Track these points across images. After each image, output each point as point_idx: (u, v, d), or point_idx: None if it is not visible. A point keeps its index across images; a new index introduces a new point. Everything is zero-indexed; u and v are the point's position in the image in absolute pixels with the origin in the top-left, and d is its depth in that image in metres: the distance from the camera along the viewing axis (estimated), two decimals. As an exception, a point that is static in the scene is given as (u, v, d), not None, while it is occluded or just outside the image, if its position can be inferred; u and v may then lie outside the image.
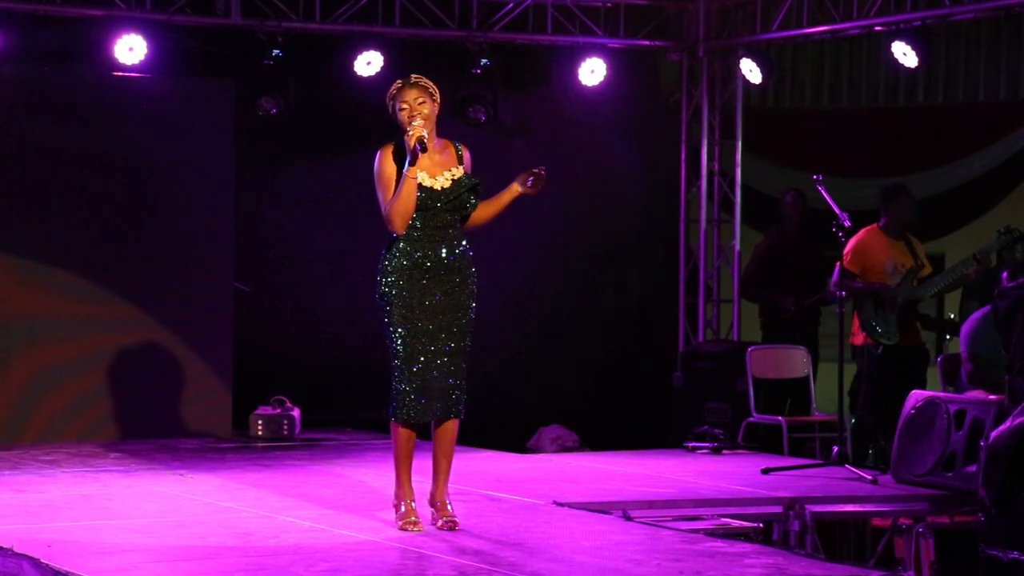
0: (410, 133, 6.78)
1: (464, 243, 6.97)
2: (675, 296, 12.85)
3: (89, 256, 10.88)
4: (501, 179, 7.09)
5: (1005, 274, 9.81)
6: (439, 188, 6.87)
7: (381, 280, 6.90)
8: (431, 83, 6.93)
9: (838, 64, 13.55)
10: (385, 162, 6.88)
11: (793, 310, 11.31)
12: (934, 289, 10.24)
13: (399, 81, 6.93)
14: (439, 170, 6.89)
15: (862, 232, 10.02)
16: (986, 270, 10.18)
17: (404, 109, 6.85)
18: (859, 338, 10.18)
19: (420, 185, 6.82)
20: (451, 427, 6.98)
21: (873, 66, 13.08)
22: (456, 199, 6.89)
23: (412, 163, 6.77)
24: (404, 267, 6.86)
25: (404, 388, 6.83)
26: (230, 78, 11.46)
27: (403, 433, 6.90)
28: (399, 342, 6.84)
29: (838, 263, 10.12)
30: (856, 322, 10.18)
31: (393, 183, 6.83)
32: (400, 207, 6.80)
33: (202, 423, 11.08)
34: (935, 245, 11.76)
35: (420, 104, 6.84)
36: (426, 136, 6.78)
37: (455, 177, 6.90)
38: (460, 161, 6.96)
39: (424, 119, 6.82)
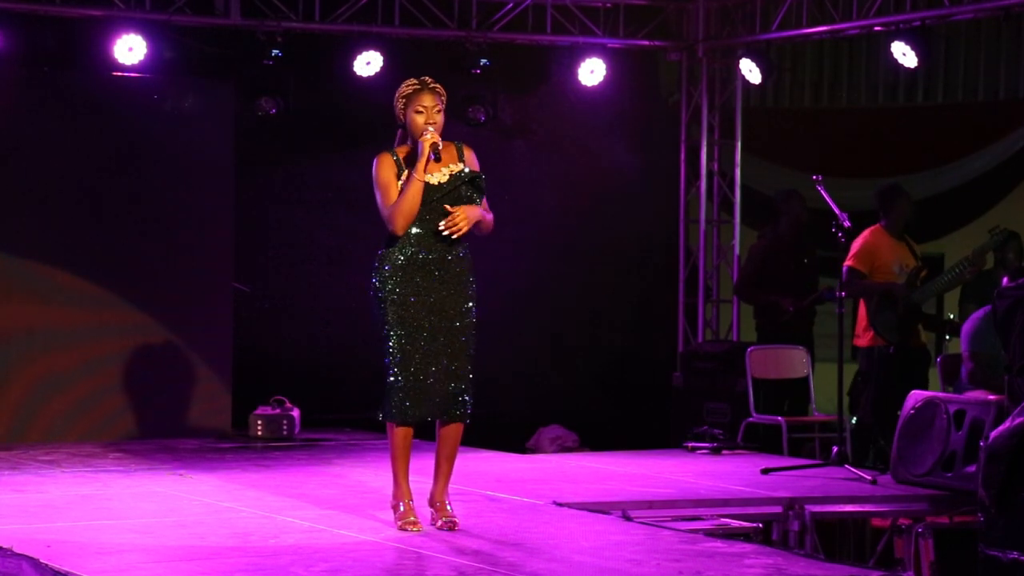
0: (425, 137, 6.79)
1: (464, 243, 6.97)
2: (675, 296, 12.85)
3: (89, 256, 10.88)
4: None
5: (1005, 279, 9.82)
6: (436, 183, 6.87)
7: (377, 277, 6.89)
8: (441, 87, 6.95)
9: (838, 64, 13.55)
10: (384, 168, 6.85)
11: (792, 311, 11.30)
12: (936, 290, 10.27)
13: (415, 82, 6.91)
14: (437, 167, 6.90)
15: (867, 233, 10.02)
16: (981, 270, 10.25)
17: (421, 112, 6.84)
18: (865, 339, 10.19)
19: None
20: (455, 430, 6.97)
21: (873, 66, 13.08)
22: (453, 192, 6.88)
23: (419, 168, 6.77)
24: (400, 264, 6.85)
25: (397, 387, 6.81)
26: (230, 78, 11.47)
27: (399, 432, 6.89)
28: (394, 341, 6.83)
29: (845, 265, 10.13)
30: (861, 323, 10.20)
31: (393, 187, 6.82)
32: (405, 207, 6.80)
33: (202, 423, 11.09)
34: (935, 245, 11.78)
35: (437, 112, 6.86)
36: (440, 145, 6.80)
37: (452, 172, 6.90)
38: (461, 158, 6.96)
39: (436, 127, 6.84)
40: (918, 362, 10.41)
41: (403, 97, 6.89)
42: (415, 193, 6.80)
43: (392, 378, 6.83)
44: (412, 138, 6.90)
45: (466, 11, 11.86)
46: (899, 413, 9.11)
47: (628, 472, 9.19)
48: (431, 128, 6.82)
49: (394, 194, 6.82)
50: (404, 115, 6.89)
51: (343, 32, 11.55)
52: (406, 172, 6.84)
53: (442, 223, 6.83)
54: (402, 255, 6.86)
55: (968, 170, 12.98)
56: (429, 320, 6.85)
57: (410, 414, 6.83)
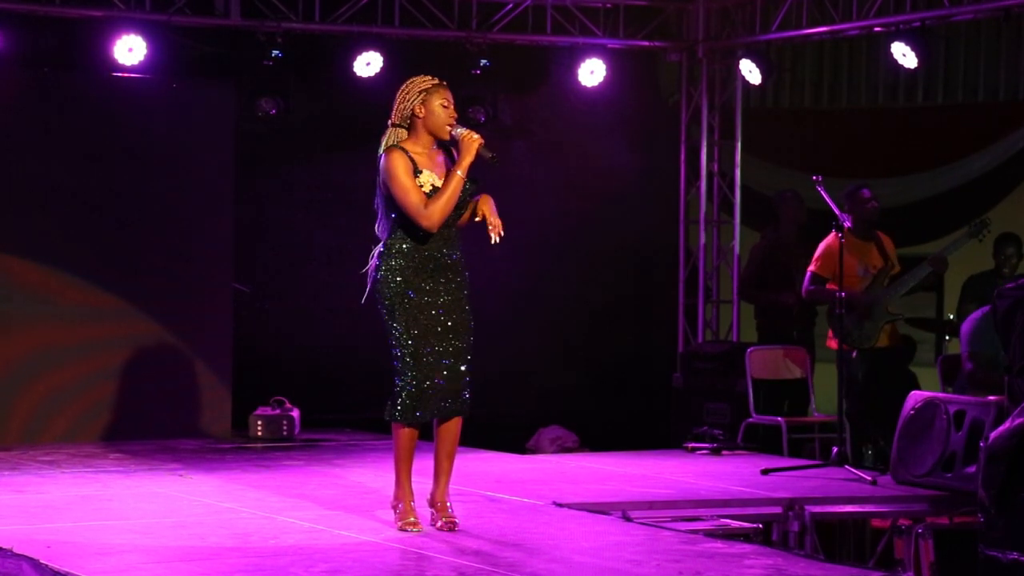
0: (474, 137, 6.82)
1: (459, 243, 6.98)
2: (675, 297, 12.84)
3: (88, 256, 10.88)
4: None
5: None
6: (441, 184, 6.89)
7: (383, 282, 6.87)
8: None
9: (838, 64, 13.54)
10: (402, 166, 6.80)
11: (794, 303, 11.29)
12: (901, 291, 10.26)
13: (432, 78, 6.93)
14: (441, 171, 6.91)
15: (830, 236, 9.98)
16: (943, 270, 10.27)
17: (447, 107, 6.88)
18: (832, 341, 10.19)
19: (431, 185, 6.85)
20: (455, 425, 6.97)
21: (873, 66, 13.07)
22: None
23: (464, 166, 6.80)
24: (408, 267, 6.85)
25: (411, 389, 6.80)
26: (230, 78, 11.47)
27: (405, 432, 6.89)
28: (407, 343, 6.82)
29: (808, 269, 10.20)
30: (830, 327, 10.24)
31: (415, 185, 6.79)
32: (448, 206, 6.80)
33: (202, 423, 11.09)
34: (934, 245, 11.75)
35: (454, 110, 6.92)
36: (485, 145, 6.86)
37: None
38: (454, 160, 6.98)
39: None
40: (894, 361, 10.40)
41: (422, 91, 6.89)
42: (457, 192, 6.82)
43: (404, 380, 6.82)
44: (429, 129, 6.89)
45: (466, 11, 11.86)
46: (883, 413, 9.14)
47: (628, 472, 9.20)
48: (463, 128, 6.85)
49: (417, 191, 6.81)
50: (423, 107, 6.87)
51: (343, 32, 11.55)
52: (426, 171, 6.83)
53: (492, 232, 6.84)
54: (409, 258, 6.84)
55: (968, 170, 12.97)
56: (439, 321, 6.86)
57: (420, 415, 6.83)
